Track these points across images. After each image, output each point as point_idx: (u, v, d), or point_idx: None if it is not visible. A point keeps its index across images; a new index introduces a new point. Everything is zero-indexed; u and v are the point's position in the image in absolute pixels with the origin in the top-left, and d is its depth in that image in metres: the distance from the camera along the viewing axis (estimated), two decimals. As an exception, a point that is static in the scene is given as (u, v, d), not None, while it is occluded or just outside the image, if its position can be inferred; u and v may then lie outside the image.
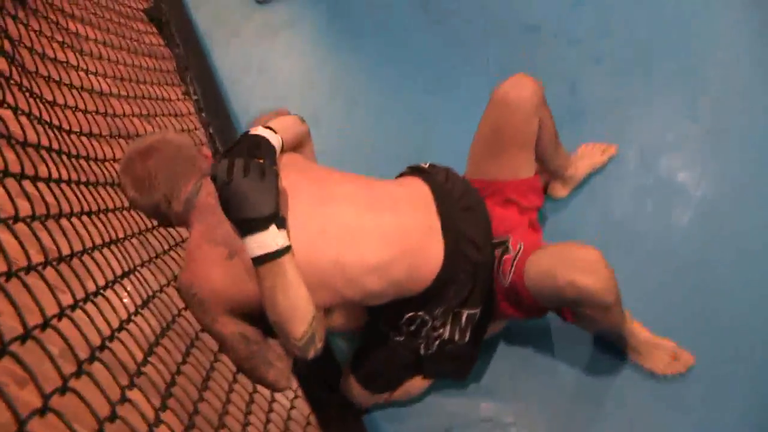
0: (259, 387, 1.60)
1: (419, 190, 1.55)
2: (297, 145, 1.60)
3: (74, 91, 1.97)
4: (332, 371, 1.80)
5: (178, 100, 2.65)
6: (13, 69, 1.55)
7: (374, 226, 1.40)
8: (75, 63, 2.17)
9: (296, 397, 1.72)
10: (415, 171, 1.65)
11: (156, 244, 1.79)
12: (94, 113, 2.00)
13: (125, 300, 1.39)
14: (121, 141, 2.05)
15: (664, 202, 2.00)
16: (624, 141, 2.14)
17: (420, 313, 1.53)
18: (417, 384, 1.77)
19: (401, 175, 1.70)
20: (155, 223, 1.67)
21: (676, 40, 2.33)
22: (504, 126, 1.67)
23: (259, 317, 1.30)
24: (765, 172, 1.98)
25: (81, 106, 1.94)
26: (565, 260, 1.40)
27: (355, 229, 1.38)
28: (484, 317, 1.63)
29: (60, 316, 0.97)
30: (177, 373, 1.31)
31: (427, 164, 1.67)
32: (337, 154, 1.60)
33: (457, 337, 1.59)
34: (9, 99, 1.38)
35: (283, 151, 1.43)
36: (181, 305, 1.63)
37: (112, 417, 0.93)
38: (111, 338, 1.12)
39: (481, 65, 2.48)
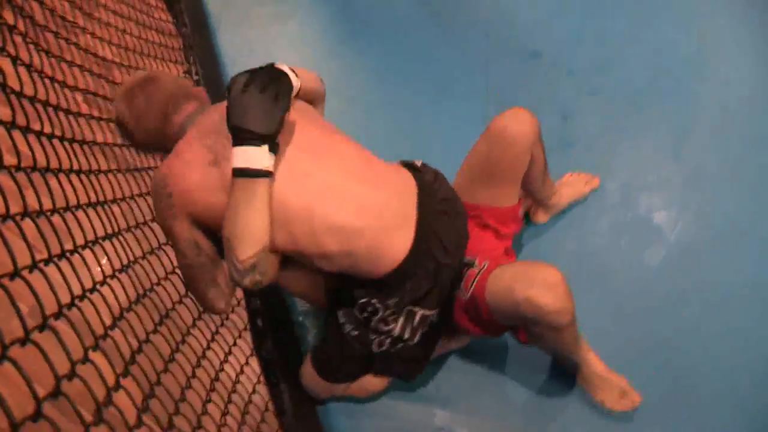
0: (226, 371, 1.56)
1: (406, 180, 1.52)
2: (310, 101, 1.59)
3: (80, 52, 1.91)
4: (295, 361, 1.76)
5: (179, 77, 2.59)
6: (21, 20, 1.50)
7: (354, 192, 1.38)
8: (82, 25, 2.10)
9: (259, 382, 1.67)
10: (407, 165, 1.61)
11: (146, 211, 1.73)
12: (96, 75, 1.94)
13: (103, 261, 1.33)
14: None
15: (639, 240, 2.00)
16: (608, 175, 2.14)
17: (373, 300, 1.47)
18: (374, 382, 1.73)
19: None
20: (143, 189, 1.65)
21: (668, 84, 2.33)
22: (497, 158, 1.65)
23: (217, 237, 1.30)
24: (740, 223, 1.98)
25: (85, 66, 1.88)
26: (526, 277, 1.38)
27: (337, 187, 1.37)
28: (438, 323, 1.59)
29: (32, 268, 0.91)
30: (145, 341, 1.25)
31: (420, 162, 1.63)
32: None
33: (407, 335, 1.52)
34: (10, 49, 1.32)
35: (297, 96, 1.41)
36: (161, 276, 1.58)
37: (71, 375, 0.87)
38: (82, 297, 1.06)
39: (481, 81, 2.45)
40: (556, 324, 1.37)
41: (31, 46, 1.53)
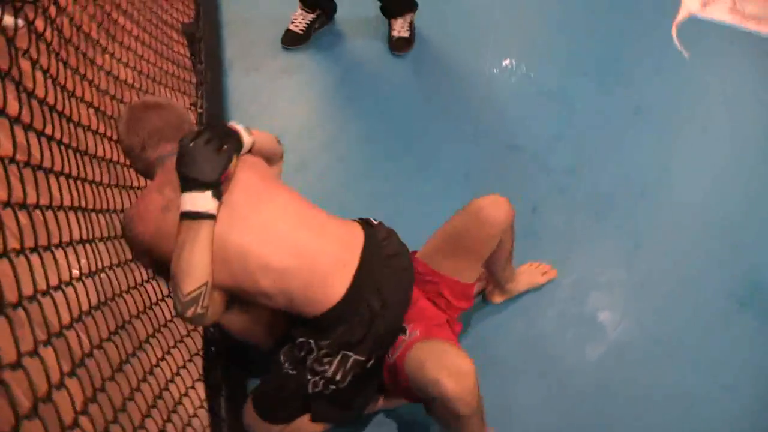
0: (170, 390, 1.52)
1: (353, 232, 1.54)
2: (267, 158, 1.62)
3: (96, 69, 1.92)
4: (239, 395, 1.73)
5: (185, 108, 2.61)
6: (49, 30, 1.51)
7: (290, 236, 1.43)
8: (104, 45, 2.12)
9: (201, 407, 1.63)
10: (362, 221, 1.64)
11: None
12: (107, 93, 1.95)
13: (82, 262, 1.30)
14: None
15: (583, 334, 2.03)
16: (564, 269, 2.18)
17: (310, 340, 1.49)
18: (310, 427, 1.68)
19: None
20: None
21: (632, 196, 2.41)
22: (468, 236, 1.67)
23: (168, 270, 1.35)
24: (676, 335, 2.01)
25: (96, 82, 1.88)
26: (441, 359, 1.38)
27: (274, 230, 1.42)
28: (372, 373, 1.57)
29: (2, 255, 0.89)
30: (98, 347, 1.22)
31: (377, 221, 1.66)
32: (312, 199, 1.57)
33: (339, 377, 1.50)
34: (32, 52, 1.33)
35: (251, 152, 1.50)
36: (125, 288, 1.55)
37: (15, 365, 0.84)
38: (45, 293, 1.03)
39: (463, 162, 2.49)
40: (455, 412, 1.35)
41: (52, 55, 1.54)
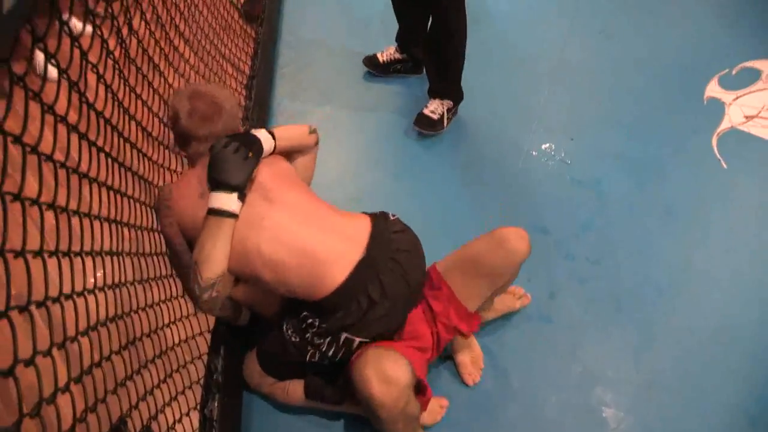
0: (165, 414, 1.53)
1: (359, 226, 1.68)
2: (296, 150, 1.84)
3: (150, 90, 1.98)
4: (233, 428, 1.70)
5: (238, 121, 2.70)
6: (118, 47, 1.57)
7: (296, 235, 1.58)
8: (162, 69, 2.19)
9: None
10: (379, 215, 1.76)
11: (151, 243, 1.74)
12: (156, 115, 2.00)
13: (98, 274, 1.32)
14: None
15: (583, 427, 2.00)
16: (573, 358, 2.17)
17: (312, 318, 1.62)
18: (297, 391, 1.88)
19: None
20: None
21: (650, 295, 2.39)
22: (489, 261, 1.78)
23: None
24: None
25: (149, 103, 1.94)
26: (378, 361, 1.51)
27: (280, 229, 1.57)
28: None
29: (19, 254, 0.90)
30: (106, 359, 1.23)
31: (394, 216, 1.77)
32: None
33: (331, 353, 1.65)
34: (100, 67, 1.39)
35: (274, 152, 1.69)
36: (141, 305, 1.57)
37: (28, 362, 0.85)
38: (68, 297, 1.05)
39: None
40: (377, 414, 1.50)
41: (117, 72, 1.60)
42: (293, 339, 1.69)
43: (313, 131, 1.88)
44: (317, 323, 1.61)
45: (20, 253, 0.88)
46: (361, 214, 1.74)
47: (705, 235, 2.61)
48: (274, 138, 1.67)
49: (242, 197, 1.52)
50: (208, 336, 1.94)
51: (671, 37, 3.58)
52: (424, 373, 1.76)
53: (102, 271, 1.38)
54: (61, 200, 1.12)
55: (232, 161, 1.50)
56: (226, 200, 1.49)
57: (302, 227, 1.59)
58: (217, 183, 1.50)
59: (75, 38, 1.21)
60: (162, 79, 2.13)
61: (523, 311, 2.25)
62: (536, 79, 3.27)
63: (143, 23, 1.96)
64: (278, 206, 1.60)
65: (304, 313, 1.64)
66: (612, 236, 2.57)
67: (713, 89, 3.22)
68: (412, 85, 3.17)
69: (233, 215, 1.50)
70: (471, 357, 2.08)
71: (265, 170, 1.63)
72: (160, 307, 1.69)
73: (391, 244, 1.64)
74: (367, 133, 2.99)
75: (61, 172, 1.12)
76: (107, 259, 1.41)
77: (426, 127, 2.87)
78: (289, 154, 1.84)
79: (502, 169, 2.82)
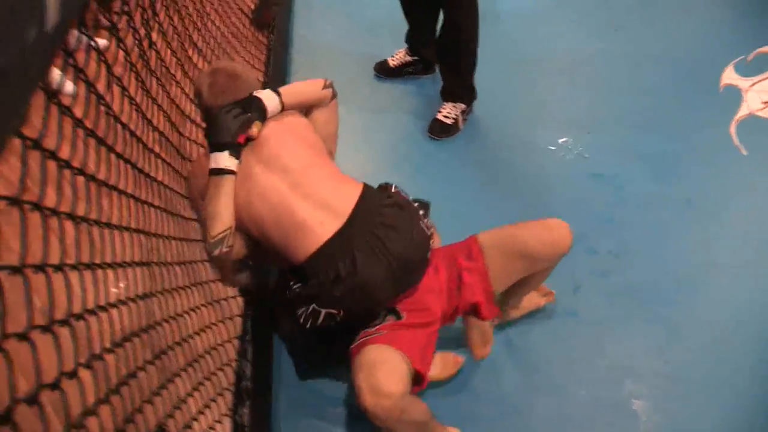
0: (198, 421, 1.46)
1: (348, 194, 1.62)
2: (310, 105, 1.82)
3: (168, 100, 1.92)
4: None
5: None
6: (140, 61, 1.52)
7: (278, 196, 1.57)
8: (178, 78, 2.13)
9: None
10: (383, 186, 1.74)
11: (173, 252, 1.67)
12: (173, 125, 1.94)
13: (121, 285, 1.25)
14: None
15: (613, 420, 1.93)
16: (600, 352, 2.09)
17: (294, 282, 1.63)
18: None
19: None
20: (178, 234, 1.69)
21: (671, 287, 2.29)
22: (531, 241, 1.72)
23: None
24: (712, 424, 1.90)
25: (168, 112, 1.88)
26: (371, 371, 1.45)
27: (269, 190, 1.58)
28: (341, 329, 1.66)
29: (58, 267, 0.84)
30: (132, 375, 1.15)
31: (395, 189, 1.72)
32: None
33: (302, 320, 1.62)
34: (124, 80, 1.33)
35: (284, 108, 1.69)
36: (165, 316, 1.50)
37: (53, 385, 0.77)
38: (92, 312, 0.97)
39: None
40: (372, 422, 1.44)
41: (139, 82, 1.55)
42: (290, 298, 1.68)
43: (327, 86, 1.84)
44: (296, 287, 1.62)
45: (41, 267, 0.80)
46: (355, 182, 1.69)
47: (726, 225, 2.51)
48: (279, 95, 1.67)
49: (235, 153, 1.56)
50: (236, 342, 1.87)
51: (684, 28, 3.49)
52: (429, 351, 1.67)
53: (126, 282, 1.31)
54: (80, 213, 1.04)
55: (221, 120, 1.56)
56: (220, 158, 1.55)
57: (289, 190, 1.58)
58: (210, 144, 1.58)
59: (100, 52, 1.16)
60: (178, 89, 2.06)
61: (548, 306, 2.17)
62: (550, 75, 3.19)
63: (159, 34, 1.89)
64: (273, 166, 1.60)
65: (291, 282, 1.65)
66: (632, 229, 2.48)
67: (729, 76, 3.13)
68: (424, 84, 3.09)
69: (228, 172, 1.55)
70: (480, 333, 1.97)
71: (271, 126, 1.65)
72: (189, 315, 1.61)
73: (375, 217, 1.58)
74: (381, 135, 2.90)
75: (80, 184, 1.05)
76: (130, 269, 1.33)
77: (440, 133, 2.80)
78: (307, 109, 1.83)
79: (519, 166, 2.73)
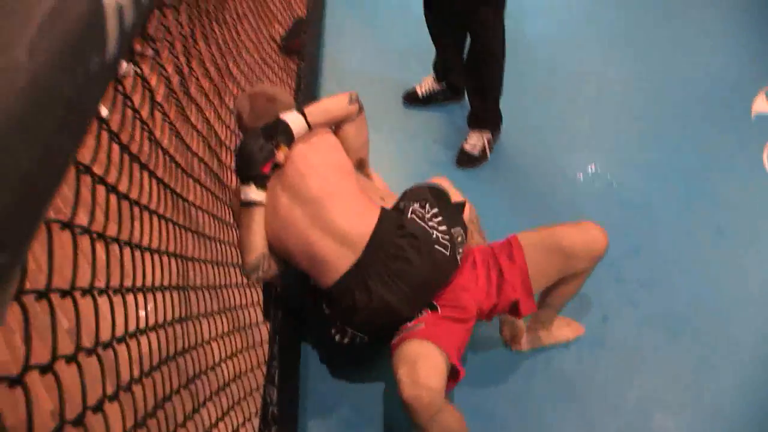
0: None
1: (364, 226, 1.64)
2: (337, 121, 1.85)
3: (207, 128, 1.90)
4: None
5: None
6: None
7: (302, 232, 1.63)
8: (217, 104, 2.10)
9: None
10: (393, 211, 1.73)
11: (199, 275, 1.62)
12: (212, 150, 1.91)
13: (149, 307, 1.19)
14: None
15: None
16: (630, 383, 2.02)
17: (325, 302, 1.72)
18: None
19: (400, 199, 1.80)
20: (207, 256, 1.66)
21: (703, 320, 2.19)
22: (568, 237, 1.70)
23: None
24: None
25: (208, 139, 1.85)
26: (414, 366, 1.46)
27: (293, 225, 1.64)
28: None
29: (87, 291, 0.79)
30: (159, 406, 1.09)
31: (414, 212, 1.69)
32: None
33: (337, 339, 1.73)
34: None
35: (310, 129, 1.72)
36: (192, 343, 1.44)
37: (76, 421, 0.71)
38: (121, 339, 0.92)
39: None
40: (409, 415, 1.44)
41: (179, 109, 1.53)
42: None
43: (353, 100, 1.86)
44: (326, 309, 1.72)
45: (68, 292, 0.76)
46: (374, 206, 1.71)
47: (758, 255, 2.40)
48: (305, 116, 1.70)
49: (261, 184, 1.61)
50: (262, 369, 1.82)
51: (714, 53, 3.39)
52: (464, 345, 1.68)
53: (153, 304, 1.26)
54: (110, 235, 1.00)
55: (246, 153, 1.59)
56: (247, 192, 1.60)
57: (310, 224, 1.63)
58: (238, 176, 1.64)
59: (145, 79, 1.13)
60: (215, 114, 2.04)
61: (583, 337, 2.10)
62: (577, 101, 3.11)
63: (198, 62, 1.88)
64: (297, 195, 1.65)
65: (322, 298, 1.73)
66: (662, 258, 2.38)
67: (761, 104, 3.03)
68: (452, 111, 3.04)
69: (256, 203, 1.61)
70: (513, 329, 2.05)
71: (299, 148, 1.69)
72: (210, 345, 1.55)
73: (390, 248, 1.62)
74: (410, 162, 2.84)
75: (112, 205, 1.00)
76: (157, 293, 1.27)
77: (468, 164, 2.76)
78: (336, 124, 1.86)
79: (548, 194, 2.65)
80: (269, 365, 1.82)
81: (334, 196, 1.65)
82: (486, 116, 2.75)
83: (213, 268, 1.73)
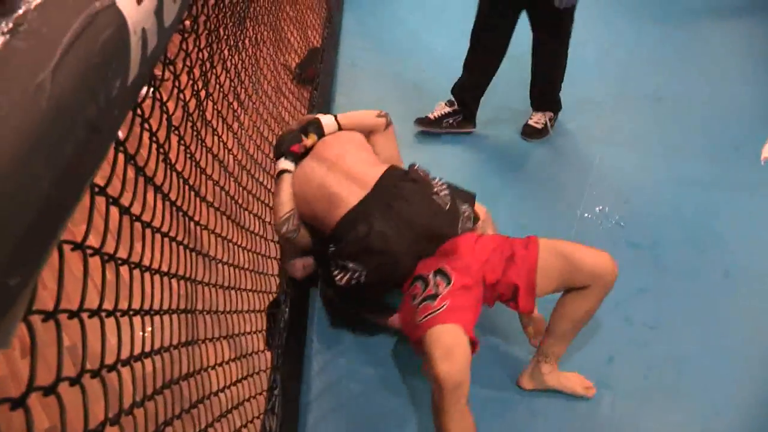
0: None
1: (373, 173, 1.93)
2: (366, 128, 2.20)
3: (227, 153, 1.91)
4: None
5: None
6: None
7: (320, 178, 1.96)
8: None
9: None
10: (405, 169, 2.03)
11: (205, 301, 1.60)
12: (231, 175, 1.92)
13: (148, 329, 1.17)
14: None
15: None
16: (635, 429, 1.98)
17: (331, 244, 1.90)
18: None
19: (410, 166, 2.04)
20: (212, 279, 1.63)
21: (714, 363, 2.15)
22: (580, 252, 1.75)
23: None
24: None
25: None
26: (438, 349, 1.53)
27: (312, 175, 1.99)
28: (372, 289, 1.92)
29: (94, 313, 0.78)
30: (159, 431, 1.06)
31: (416, 168, 2.00)
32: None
33: (337, 279, 1.86)
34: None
35: (340, 128, 2.13)
36: (194, 369, 1.41)
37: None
38: (126, 362, 0.90)
39: (541, 301, 2.26)
40: (438, 387, 1.50)
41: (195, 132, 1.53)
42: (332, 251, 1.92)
43: (382, 116, 2.23)
44: (332, 248, 1.88)
45: (75, 314, 0.75)
46: (385, 166, 1.99)
47: (765, 298, 2.37)
48: (335, 117, 2.12)
49: (292, 158, 2.03)
50: (264, 395, 1.79)
51: (725, 98, 3.41)
52: (477, 318, 1.73)
53: (152, 327, 1.23)
54: (122, 253, 0.99)
55: (280, 139, 2.09)
56: (279, 164, 2.03)
57: (327, 171, 1.95)
58: (275, 154, 2.08)
59: (164, 103, 1.13)
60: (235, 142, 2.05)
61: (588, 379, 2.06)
62: (588, 143, 3.13)
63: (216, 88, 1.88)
64: (323, 162, 1.99)
65: (329, 241, 1.91)
66: (670, 300, 2.35)
67: (769, 150, 3.03)
68: (464, 142, 3.07)
69: (285, 171, 2.01)
70: (533, 323, 2.10)
71: (331, 138, 2.08)
72: (208, 373, 1.52)
73: (392, 189, 1.87)
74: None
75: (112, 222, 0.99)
76: (161, 315, 1.25)
77: (533, 135, 3.06)
78: (368, 134, 2.18)
79: (556, 233, 2.61)
80: (270, 393, 1.79)
81: (351, 154, 2.02)
82: (549, 100, 3.02)
83: (220, 292, 1.71)
